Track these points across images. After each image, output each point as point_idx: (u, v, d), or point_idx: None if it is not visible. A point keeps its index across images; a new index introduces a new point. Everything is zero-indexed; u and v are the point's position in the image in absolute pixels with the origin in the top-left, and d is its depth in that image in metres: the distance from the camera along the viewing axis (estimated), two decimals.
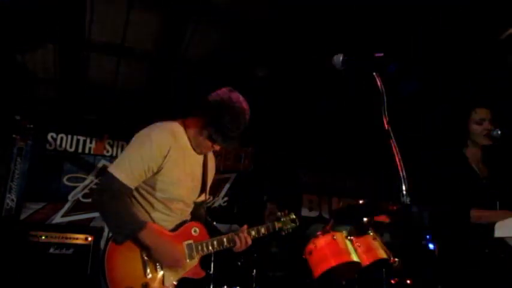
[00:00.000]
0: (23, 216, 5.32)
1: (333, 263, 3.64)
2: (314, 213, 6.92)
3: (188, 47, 4.67)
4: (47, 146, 5.67)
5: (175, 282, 2.25)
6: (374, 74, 1.78)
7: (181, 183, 2.33)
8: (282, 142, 6.70)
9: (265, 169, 6.65)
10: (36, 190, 5.46)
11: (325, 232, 3.88)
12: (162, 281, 2.19)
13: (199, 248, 2.33)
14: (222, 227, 5.87)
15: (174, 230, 2.35)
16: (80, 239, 4.61)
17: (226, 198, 6.35)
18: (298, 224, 2.82)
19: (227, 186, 6.41)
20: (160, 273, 2.20)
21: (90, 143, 5.89)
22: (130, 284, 2.09)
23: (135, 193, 2.29)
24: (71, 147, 5.79)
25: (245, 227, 2.52)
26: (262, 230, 2.59)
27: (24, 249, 4.45)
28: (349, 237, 3.89)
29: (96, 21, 4.29)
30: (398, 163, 1.64)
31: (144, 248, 2.15)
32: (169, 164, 2.23)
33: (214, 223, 4.60)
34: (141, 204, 2.30)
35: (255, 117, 6.21)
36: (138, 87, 5.48)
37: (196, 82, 5.35)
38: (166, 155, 2.20)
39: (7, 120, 5.36)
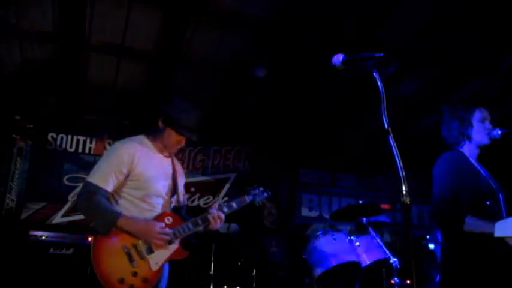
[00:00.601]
0: (23, 216, 5.31)
1: (333, 263, 3.64)
2: (314, 213, 6.91)
3: (188, 47, 4.67)
4: (47, 146, 5.66)
5: (162, 265, 2.44)
6: (374, 74, 1.78)
7: (155, 179, 2.57)
8: (282, 142, 6.69)
9: (265, 169, 6.65)
10: (36, 190, 5.45)
11: (325, 232, 3.88)
12: (149, 266, 2.39)
13: (177, 232, 2.51)
14: (221, 226, 5.87)
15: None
16: (80, 239, 4.61)
17: (226, 198, 6.34)
18: (270, 193, 2.92)
19: (227, 186, 6.41)
20: (146, 259, 2.39)
21: (90, 143, 5.88)
22: (120, 276, 2.29)
23: (118, 197, 2.54)
24: (71, 147, 5.78)
25: (216, 204, 2.68)
26: (234, 205, 2.73)
27: (24, 249, 4.45)
28: (349, 237, 3.89)
29: (96, 21, 4.29)
30: (398, 163, 1.64)
31: (129, 234, 2.37)
32: (139, 166, 2.51)
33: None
34: (124, 206, 2.51)
35: (255, 117, 6.20)
36: (138, 87, 5.48)
37: (196, 82, 5.35)
38: (133, 158, 2.51)
39: (7, 120, 5.36)
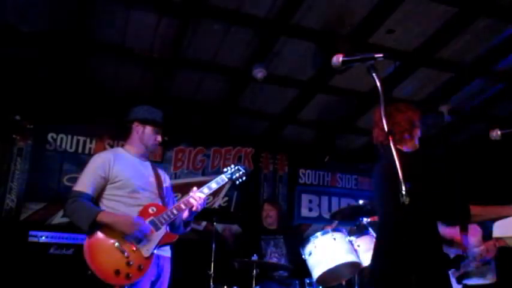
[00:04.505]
0: (23, 216, 5.30)
1: (332, 263, 3.65)
2: (314, 213, 6.91)
3: (189, 47, 4.67)
4: (47, 146, 5.65)
5: (153, 251, 2.56)
6: (373, 74, 1.78)
7: (135, 176, 2.76)
8: (281, 142, 6.70)
9: (265, 169, 6.65)
10: (36, 190, 5.44)
11: (325, 232, 3.89)
12: (141, 254, 2.53)
13: (162, 218, 2.65)
14: (221, 226, 5.87)
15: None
16: (80, 239, 4.60)
17: (226, 199, 6.34)
18: (246, 169, 3.08)
19: (227, 186, 6.40)
20: (137, 249, 2.52)
21: (90, 143, 5.87)
22: (115, 267, 2.41)
23: (103, 200, 2.72)
24: (71, 147, 5.77)
25: (195, 188, 2.80)
26: (213, 185, 2.88)
27: (24, 249, 4.45)
28: (349, 238, 3.89)
29: (97, 21, 4.30)
30: (397, 163, 1.65)
31: (108, 227, 2.52)
32: (116, 167, 2.73)
33: (215, 223, 4.60)
34: (109, 206, 2.68)
35: (255, 117, 6.18)
36: (139, 87, 5.47)
37: (196, 82, 5.35)
38: (109, 162, 2.73)
39: (7, 120, 5.35)
